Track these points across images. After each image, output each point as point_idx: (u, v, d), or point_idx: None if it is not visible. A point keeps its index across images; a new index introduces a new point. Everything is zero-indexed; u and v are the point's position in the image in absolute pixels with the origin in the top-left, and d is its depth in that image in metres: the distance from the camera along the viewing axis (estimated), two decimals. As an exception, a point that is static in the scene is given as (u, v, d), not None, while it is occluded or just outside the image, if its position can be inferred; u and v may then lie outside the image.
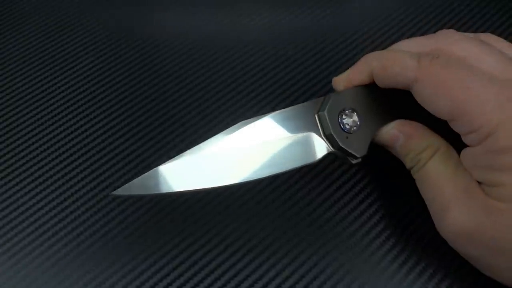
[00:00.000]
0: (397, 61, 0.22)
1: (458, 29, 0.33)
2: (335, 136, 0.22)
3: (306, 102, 0.23)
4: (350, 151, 0.22)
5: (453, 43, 0.22)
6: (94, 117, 0.29)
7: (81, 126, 0.29)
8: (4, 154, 0.28)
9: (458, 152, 0.21)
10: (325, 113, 0.22)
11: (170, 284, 0.23)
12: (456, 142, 0.21)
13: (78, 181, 0.27)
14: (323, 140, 0.23)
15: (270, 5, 0.35)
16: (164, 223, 0.25)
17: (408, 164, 0.23)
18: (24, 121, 0.29)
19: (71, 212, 0.26)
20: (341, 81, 0.24)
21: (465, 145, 0.21)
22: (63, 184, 0.27)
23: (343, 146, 0.22)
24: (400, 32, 0.33)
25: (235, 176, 0.22)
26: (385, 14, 0.34)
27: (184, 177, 0.21)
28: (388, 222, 0.25)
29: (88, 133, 0.29)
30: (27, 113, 0.29)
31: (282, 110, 0.23)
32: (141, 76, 0.31)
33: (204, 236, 0.25)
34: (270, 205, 0.26)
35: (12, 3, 0.35)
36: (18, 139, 0.28)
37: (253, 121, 0.23)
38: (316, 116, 0.23)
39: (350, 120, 0.23)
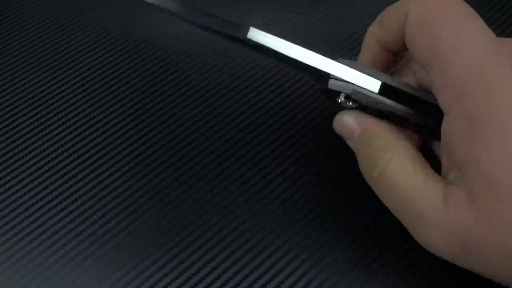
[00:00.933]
0: (390, 11, 0.20)
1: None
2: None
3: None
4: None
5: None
6: (94, 117, 0.29)
7: (81, 126, 0.29)
8: (4, 154, 0.28)
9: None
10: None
11: (169, 284, 0.23)
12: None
13: (78, 181, 0.27)
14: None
15: (270, 5, 0.35)
16: (163, 223, 0.25)
17: (363, 167, 0.20)
18: (24, 121, 0.29)
19: (70, 212, 0.26)
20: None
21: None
22: (63, 183, 0.27)
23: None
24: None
25: None
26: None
27: None
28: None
29: (87, 133, 0.29)
30: (27, 113, 0.29)
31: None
32: (141, 76, 0.31)
33: (204, 236, 0.25)
34: (269, 204, 0.26)
35: (12, 3, 0.35)
36: (18, 139, 0.28)
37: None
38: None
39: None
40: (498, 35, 0.33)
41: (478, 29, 0.17)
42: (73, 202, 0.26)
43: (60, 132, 0.29)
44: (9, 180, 0.27)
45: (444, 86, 0.17)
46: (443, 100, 0.17)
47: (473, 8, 0.34)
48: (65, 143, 0.28)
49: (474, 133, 0.16)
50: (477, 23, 0.17)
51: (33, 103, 0.30)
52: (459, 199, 0.17)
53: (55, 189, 0.26)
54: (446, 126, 0.17)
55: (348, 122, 0.20)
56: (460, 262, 0.18)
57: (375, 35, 0.21)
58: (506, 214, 0.16)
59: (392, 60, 0.21)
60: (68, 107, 0.30)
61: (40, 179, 0.27)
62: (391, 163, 0.18)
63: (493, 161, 0.15)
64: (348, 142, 0.21)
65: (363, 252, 0.24)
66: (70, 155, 0.28)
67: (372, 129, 0.19)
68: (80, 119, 0.29)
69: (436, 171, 0.19)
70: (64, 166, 0.27)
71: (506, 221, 0.16)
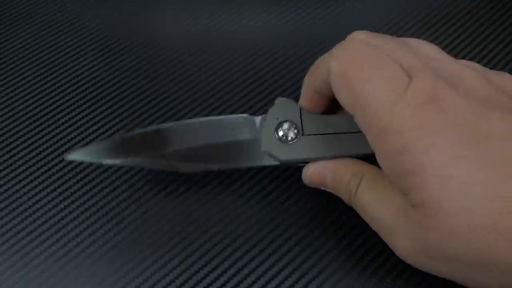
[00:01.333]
0: (319, 62, 0.22)
1: (458, 29, 0.33)
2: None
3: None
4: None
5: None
6: (94, 117, 0.29)
7: (81, 126, 0.29)
8: (4, 154, 0.28)
9: None
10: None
11: (169, 284, 0.23)
12: None
13: (78, 181, 0.27)
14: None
15: (270, 5, 0.35)
16: (163, 223, 0.25)
17: (345, 199, 0.23)
18: (24, 121, 0.29)
19: (70, 212, 0.26)
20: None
21: None
22: (63, 183, 0.27)
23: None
24: (401, 31, 0.33)
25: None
26: (386, 13, 0.34)
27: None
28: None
29: (87, 133, 0.29)
30: (27, 113, 0.29)
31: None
32: (141, 76, 0.31)
33: (203, 236, 0.25)
34: (269, 204, 0.26)
35: (12, 3, 0.35)
36: (18, 139, 0.28)
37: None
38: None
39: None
40: (498, 34, 0.33)
41: (386, 77, 0.19)
42: (73, 202, 0.26)
43: (60, 132, 0.29)
44: (9, 180, 0.27)
45: (366, 131, 0.19)
46: (369, 139, 0.20)
47: (473, 8, 0.34)
48: (65, 143, 0.28)
49: (399, 167, 0.18)
50: (386, 69, 0.19)
51: (33, 103, 0.30)
52: (409, 216, 0.19)
53: (55, 189, 0.26)
54: (380, 162, 0.19)
55: (317, 171, 0.23)
56: (427, 268, 0.19)
57: (310, 83, 0.23)
58: (442, 226, 0.17)
59: (328, 102, 0.23)
60: (68, 107, 0.30)
61: (40, 179, 0.27)
62: (359, 187, 0.21)
63: (423, 186, 0.18)
64: (323, 187, 0.23)
65: (363, 252, 0.24)
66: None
67: (338, 167, 0.22)
68: (80, 119, 0.29)
69: None
70: (64, 166, 0.27)
71: (442, 234, 0.17)
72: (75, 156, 0.23)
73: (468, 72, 0.20)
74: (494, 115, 0.18)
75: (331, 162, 0.23)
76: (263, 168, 0.26)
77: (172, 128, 0.23)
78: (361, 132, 0.21)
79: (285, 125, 0.23)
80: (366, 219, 0.22)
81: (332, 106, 0.23)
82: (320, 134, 0.22)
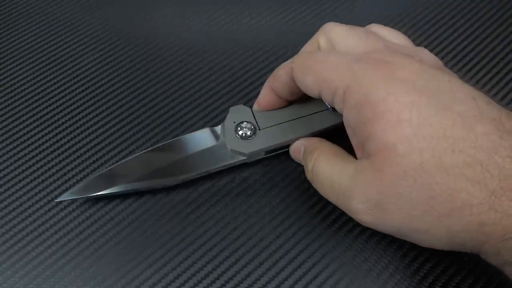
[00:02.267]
0: (279, 67, 0.25)
1: (459, 28, 0.33)
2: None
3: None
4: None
5: (329, 31, 0.25)
6: (94, 117, 0.29)
7: (81, 125, 0.29)
8: (4, 154, 0.28)
9: None
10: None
11: (169, 284, 0.23)
12: None
13: (78, 181, 0.27)
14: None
15: (270, 4, 0.35)
16: (162, 223, 0.25)
17: (306, 172, 0.25)
18: (23, 121, 0.29)
19: (70, 212, 0.26)
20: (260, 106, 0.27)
21: None
22: (63, 183, 0.27)
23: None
24: (402, 30, 0.33)
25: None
26: (387, 12, 0.34)
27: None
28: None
29: (87, 132, 0.29)
30: (26, 113, 0.29)
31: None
32: (141, 76, 0.31)
33: (203, 236, 0.25)
34: (269, 204, 0.26)
35: (12, 3, 0.35)
36: (18, 139, 0.28)
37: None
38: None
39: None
40: (498, 34, 0.33)
41: (337, 55, 0.22)
42: (72, 202, 0.26)
43: (60, 132, 0.29)
44: (9, 180, 0.27)
45: (333, 98, 0.22)
46: (335, 102, 0.22)
47: (474, 8, 0.34)
48: (65, 143, 0.28)
49: (361, 117, 0.20)
50: (336, 53, 0.23)
51: (33, 103, 0.30)
52: (365, 169, 0.21)
53: (55, 189, 0.26)
54: (345, 119, 0.22)
55: (296, 146, 0.26)
56: (380, 227, 0.21)
57: (270, 85, 0.26)
58: (396, 167, 0.19)
59: (284, 103, 0.26)
60: (68, 107, 0.30)
61: (40, 179, 0.27)
62: (318, 159, 0.24)
63: (380, 131, 0.20)
64: (298, 160, 0.26)
65: (363, 252, 0.24)
66: (70, 155, 0.28)
67: (308, 143, 0.25)
68: (80, 119, 0.29)
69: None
70: (64, 166, 0.27)
71: (397, 176, 0.19)
72: (64, 197, 0.25)
73: (425, 51, 0.24)
74: (445, 77, 0.20)
75: (306, 139, 0.26)
76: (232, 168, 0.27)
77: (147, 153, 0.26)
78: (305, 116, 0.26)
79: (243, 125, 0.26)
80: (322, 188, 0.23)
81: (282, 103, 0.27)
82: (273, 126, 0.26)
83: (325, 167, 0.23)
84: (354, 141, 0.22)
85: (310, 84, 0.23)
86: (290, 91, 0.25)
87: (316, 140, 0.25)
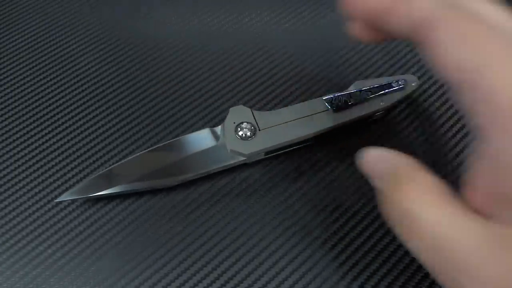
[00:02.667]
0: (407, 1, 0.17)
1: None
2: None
3: None
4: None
5: None
6: (94, 117, 0.29)
7: (80, 126, 0.29)
8: (4, 154, 0.28)
9: None
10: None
11: (169, 284, 0.23)
12: None
13: (77, 181, 0.27)
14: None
15: (270, 4, 0.35)
16: (162, 223, 0.25)
17: (384, 206, 0.17)
18: (23, 121, 0.29)
19: (70, 212, 0.26)
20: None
21: None
22: (62, 183, 0.27)
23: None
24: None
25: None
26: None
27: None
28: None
29: (87, 133, 0.29)
30: (26, 113, 0.29)
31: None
32: (141, 76, 0.31)
33: (203, 236, 0.25)
34: (269, 204, 0.26)
35: (12, 3, 0.35)
36: (18, 139, 0.28)
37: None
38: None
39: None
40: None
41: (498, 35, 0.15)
42: (72, 202, 0.26)
43: (60, 132, 0.29)
44: (9, 180, 0.27)
45: (487, 99, 0.14)
46: (484, 125, 0.14)
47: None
48: (65, 143, 0.28)
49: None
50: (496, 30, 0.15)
51: (33, 103, 0.30)
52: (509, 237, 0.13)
53: (55, 189, 0.26)
54: (491, 151, 0.14)
55: (376, 159, 0.18)
56: None
57: (370, 8, 0.18)
58: None
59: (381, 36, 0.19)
60: (68, 107, 0.30)
61: (40, 179, 0.27)
62: (414, 194, 0.16)
63: None
64: (367, 172, 0.19)
65: (363, 252, 0.24)
66: (70, 155, 0.28)
67: (400, 165, 0.17)
68: (80, 119, 0.29)
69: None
70: (64, 166, 0.27)
71: None
72: (64, 197, 0.25)
73: None
74: None
75: (394, 156, 0.18)
76: (232, 168, 0.27)
77: (147, 153, 0.26)
78: (305, 116, 0.26)
79: (243, 126, 0.26)
80: (415, 242, 0.15)
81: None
82: (273, 126, 0.26)
83: (428, 212, 0.15)
84: (486, 187, 0.15)
85: (458, 64, 0.15)
86: (398, 32, 0.17)
87: (410, 163, 0.17)
